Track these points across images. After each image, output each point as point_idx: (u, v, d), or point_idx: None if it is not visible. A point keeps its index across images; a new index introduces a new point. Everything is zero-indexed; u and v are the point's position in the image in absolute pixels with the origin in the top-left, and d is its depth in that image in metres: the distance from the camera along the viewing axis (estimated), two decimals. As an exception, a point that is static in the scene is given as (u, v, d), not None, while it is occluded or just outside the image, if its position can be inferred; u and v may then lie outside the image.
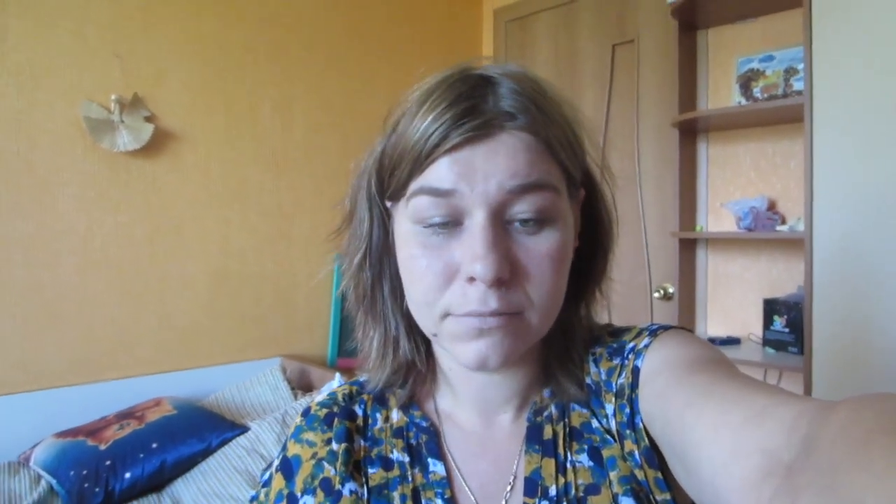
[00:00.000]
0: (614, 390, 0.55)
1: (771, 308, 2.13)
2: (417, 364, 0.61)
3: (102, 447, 1.76)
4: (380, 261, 0.59)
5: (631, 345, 0.56)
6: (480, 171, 0.48)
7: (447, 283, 0.50)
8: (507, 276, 0.48)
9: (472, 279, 0.48)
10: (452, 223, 0.50)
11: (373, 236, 0.58)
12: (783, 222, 2.19)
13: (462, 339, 0.50)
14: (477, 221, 0.48)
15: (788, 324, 2.07)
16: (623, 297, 2.69)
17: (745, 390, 0.42)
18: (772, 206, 2.25)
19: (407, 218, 0.52)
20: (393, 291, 0.59)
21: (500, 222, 0.49)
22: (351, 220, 0.60)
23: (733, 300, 2.41)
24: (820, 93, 1.79)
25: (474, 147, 0.48)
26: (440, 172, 0.48)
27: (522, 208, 0.49)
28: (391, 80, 2.84)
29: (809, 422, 0.34)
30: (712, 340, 2.24)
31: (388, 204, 0.56)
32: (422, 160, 0.49)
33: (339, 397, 0.65)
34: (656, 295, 2.57)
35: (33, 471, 1.78)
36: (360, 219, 0.58)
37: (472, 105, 0.48)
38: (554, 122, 0.51)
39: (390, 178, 0.53)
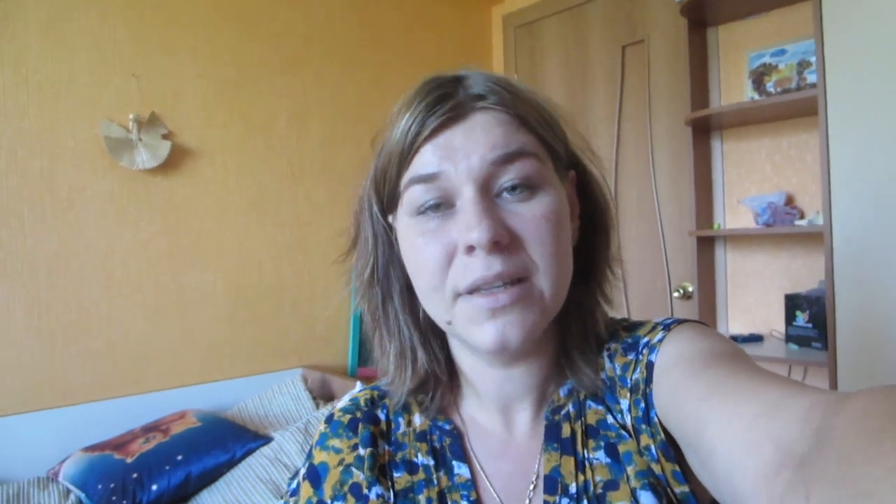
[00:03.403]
0: (629, 385, 0.54)
1: (793, 304, 2.11)
2: (438, 373, 0.61)
3: (129, 460, 1.78)
4: (387, 276, 0.60)
5: (645, 339, 0.55)
6: (461, 150, 0.50)
7: (449, 262, 0.51)
8: (506, 240, 0.49)
9: (471, 248, 0.49)
10: (445, 206, 0.52)
11: (378, 252, 0.59)
12: (802, 217, 2.17)
13: (476, 322, 0.51)
14: (467, 197, 0.50)
15: (811, 319, 2.05)
16: (642, 298, 2.68)
17: (759, 383, 0.42)
18: (789, 201, 2.23)
19: (405, 214, 0.54)
20: (404, 305, 0.60)
21: (489, 195, 0.51)
22: (356, 242, 0.62)
23: (754, 297, 2.38)
24: (833, 84, 1.77)
25: (452, 130, 0.51)
26: (424, 159, 0.51)
27: (508, 177, 0.51)
28: (405, 88, 2.85)
29: (823, 413, 0.34)
30: (734, 338, 2.22)
31: (390, 218, 0.58)
32: (406, 153, 0.52)
33: (362, 402, 0.65)
34: (676, 295, 2.55)
35: (62, 485, 1.81)
36: (365, 238, 0.60)
37: (443, 94, 0.52)
38: (525, 100, 0.53)
39: (385, 187, 0.55)
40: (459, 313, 0.52)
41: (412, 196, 0.52)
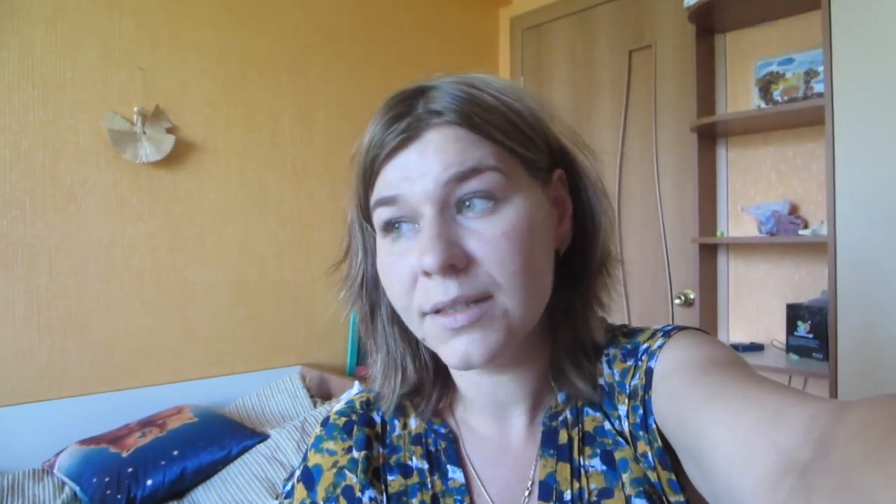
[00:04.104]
0: (627, 392, 0.54)
1: (794, 313, 2.10)
2: (426, 384, 0.61)
3: (125, 454, 1.78)
4: (376, 287, 0.59)
5: (645, 346, 0.55)
6: (416, 171, 0.49)
7: (413, 284, 0.51)
8: (462, 262, 0.48)
9: (426, 273, 0.49)
10: (410, 228, 0.51)
11: (367, 263, 0.59)
12: (806, 226, 2.16)
13: (441, 340, 0.51)
14: (425, 219, 0.49)
15: (812, 329, 2.04)
16: (643, 304, 2.67)
17: (760, 390, 0.41)
18: (794, 210, 2.22)
19: (377, 233, 0.54)
20: (390, 316, 0.60)
21: (448, 215, 0.50)
22: (348, 252, 0.62)
23: (756, 306, 2.37)
24: (841, 94, 1.76)
25: (408, 149, 0.50)
26: (385, 180, 0.51)
27: (465, 194, 0.49)
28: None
29: (825, 422, 0.33)
30: (735, 347, 2.20)
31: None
32: (368, 175, 0.52)
33: (357, 405, 0.65)
34: (677, 301, 2.55)
35: (57, 478, 1.80)
36: (355, 250, 0.60)
37: (400, 112, 0.50)
38: (488, 108, 0.51)
39: (360, 204, 0.55)
40: (427, 331, 0.52)
41: (379, 217, 0.52)
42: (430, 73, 0.55)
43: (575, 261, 0.59)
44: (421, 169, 0.49)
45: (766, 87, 2.24)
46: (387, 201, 0.51)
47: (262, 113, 2.47)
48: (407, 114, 0.50)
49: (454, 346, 0.50)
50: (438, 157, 0.49)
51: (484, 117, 0.50)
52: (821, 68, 2.06)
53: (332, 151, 2.66)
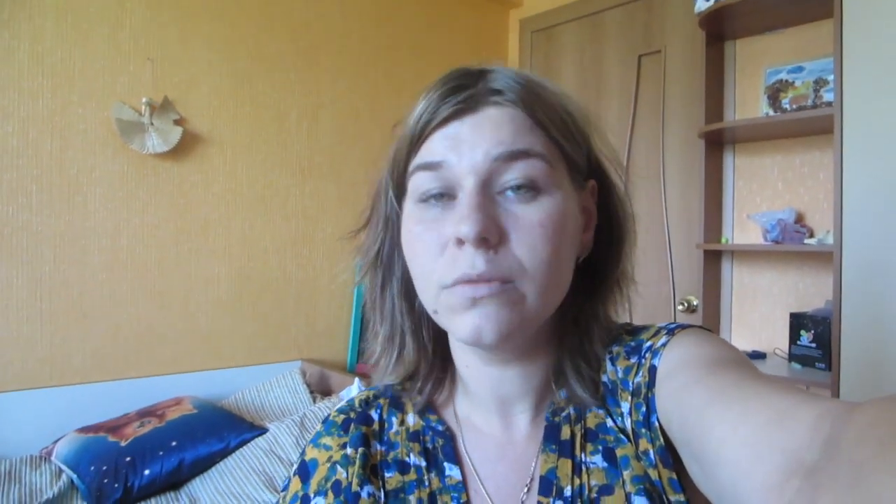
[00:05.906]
0: (630, 389, 0.54)
1: (798, 323, 2.09)
2: (422, 366, 0.62)
3: (123, 444, 1.78)
4: (391, 259, 0.60)
5: (648, 343, 0.55)
6: (467, 142, 0.50)
7: (441, 252, 0.51)
8: (495, 238, 0.49)
9: (460, 242, 0.49)
10: (447, 196, 0.51)
11: (386, 235, 0.60)
12: (811, 235, 2.15)
13: (456, 311, 0.51)
14: (466, 189, 0.50)
15: (816, 339, 2.03)
16: (646, 308, 2.66)
17: (766, 390, 0.41)
18: (799, 219, 2.22)
19: (409, 200, 0.54)
20: (401, 291, 0.60)
21: (489, 191, 0.50)
22: (368, 222, 0.62)
23: (759, 314, 2.37)
24: (850, 104, 1.76)
25: (462, 120, 0.51)
26: (431, 147, 0.52)
27: (511, 176, 0.50)
28: (418, 89, 2.86)
29: (832, 422, 0.33)
30: (737, 354, 2.19)
31: (404, 203, 0.57)
32: (415, 139, 0.52)
33: (357, 403, 0.65)
34: (680, 307, 2.54)
35: (55, 465, 1.81)
36: (377, 219, 0.60)
37: (460, 85, 0.52)
38: (545, 102, 0.52)
39: (395, 171, 0.56)
40: (443, 302, 0.52)
41: (416, 182, 0.52)
42: (444, 70, 0.56)
43: (591, 272, 0.59)
44: (472, 141, 0.50)
45: (774, 94, 2.23)
46: (429, 166, 0.51)
47: (270, 108, 2.47)
48: (467, 87, 0.51)
49: (467, 319, 0.50)
50: (493, 132, 0.50)
51: (542, 108, 0.52)
52: (831, 77, 2.05)
53: (338, 149, 2.66)
